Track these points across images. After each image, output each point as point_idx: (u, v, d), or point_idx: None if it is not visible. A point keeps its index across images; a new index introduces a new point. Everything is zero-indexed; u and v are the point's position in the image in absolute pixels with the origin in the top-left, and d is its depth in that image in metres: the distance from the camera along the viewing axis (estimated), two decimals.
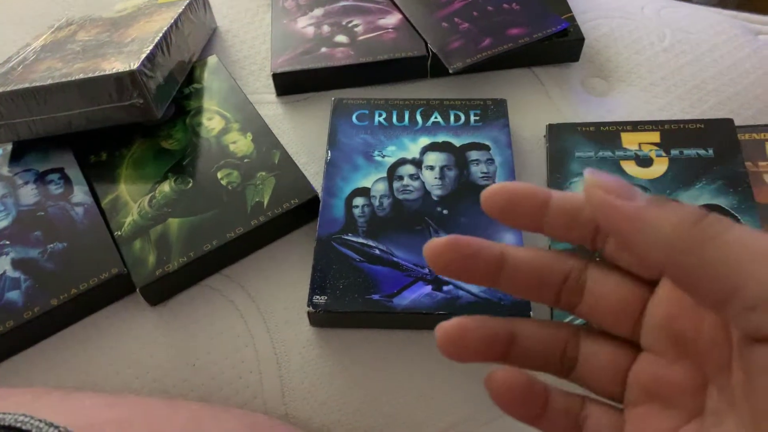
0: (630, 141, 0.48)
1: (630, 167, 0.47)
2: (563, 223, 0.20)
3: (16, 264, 0.44)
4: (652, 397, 0.19)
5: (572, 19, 0.57)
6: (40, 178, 0.49)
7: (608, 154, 0.48)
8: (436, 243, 0.20)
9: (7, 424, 0.26)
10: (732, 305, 0.15)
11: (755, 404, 0.16)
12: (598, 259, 0.21)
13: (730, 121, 0.48)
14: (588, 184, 0.18)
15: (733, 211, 0.43)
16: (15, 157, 0.51)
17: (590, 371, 0.21)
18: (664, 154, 0.47)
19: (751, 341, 0.16)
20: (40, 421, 0.27)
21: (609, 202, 0.17)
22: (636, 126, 0.49)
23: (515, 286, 0.21)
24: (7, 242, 0.45)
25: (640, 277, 0.20)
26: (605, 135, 0.49)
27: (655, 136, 0.48)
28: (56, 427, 0.27)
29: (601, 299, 0.20)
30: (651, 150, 0.48)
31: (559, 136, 0.50)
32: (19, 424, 0.26)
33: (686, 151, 0.47)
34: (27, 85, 0.47)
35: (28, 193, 0.48)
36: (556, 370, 0.21)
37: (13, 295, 0.42)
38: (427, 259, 0.21)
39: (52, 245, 0.45)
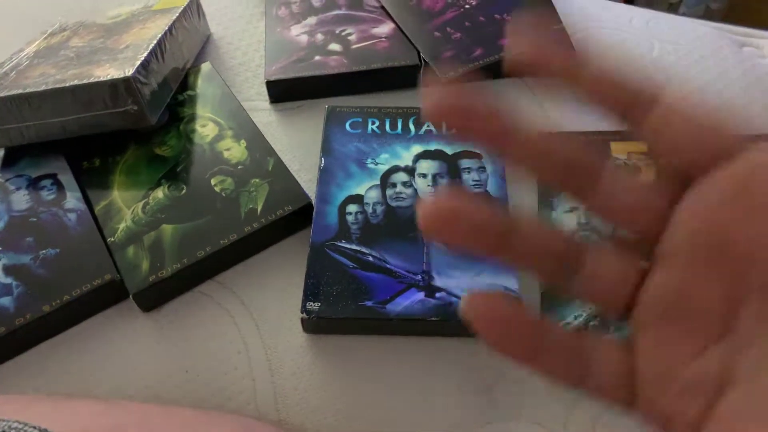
0: (619, 150, 0.49)
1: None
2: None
3: (7, 270, 0.44)
4: (670, 315, 0.17)
5: (562, 30, 0.58)
6: (33, 184, 0.49)
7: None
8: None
9: (1, 430, 0.26)
10: None
11: None
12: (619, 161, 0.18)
13: None
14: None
15: None
16: (7, 163, 0.51)
17: (594, 280, 0.18)
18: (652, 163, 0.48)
19: None
20: (35, 428, 0.27)
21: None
22: (625, 135, 0.50)
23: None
24: None
25: (673, 177, 0.17)
26: (595, 144, 0.50)
27: (643, 146, 0.49)
28: None
29: (621, 194, 0.18)
30: (640, 159, 0.49)
31: None
32: (13, 431, 0.26)
33: None
34: (20, 90, 0.47)
35: (21, 199, 0.48)
36: (553, 271, 0.18)
37: (5, 301, 0.42)
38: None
39: (44, 251, 0.45)
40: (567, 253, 0.18)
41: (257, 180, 0.48)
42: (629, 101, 0.17)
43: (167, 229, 0.46)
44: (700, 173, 0.17)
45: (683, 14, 0.68)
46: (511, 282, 0.42)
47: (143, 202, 0.47)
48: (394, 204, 0.47)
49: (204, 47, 0.63)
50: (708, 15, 1.26)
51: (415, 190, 0.47)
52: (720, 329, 0.16)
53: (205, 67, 0.58)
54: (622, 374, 0.17)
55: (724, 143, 0.16)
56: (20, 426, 0.27)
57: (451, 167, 0.49)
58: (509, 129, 0.18)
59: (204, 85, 0.56)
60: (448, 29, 0.58)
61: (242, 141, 0.51)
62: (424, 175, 0.48)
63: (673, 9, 1.28)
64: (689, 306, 0.16)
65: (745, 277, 0.15)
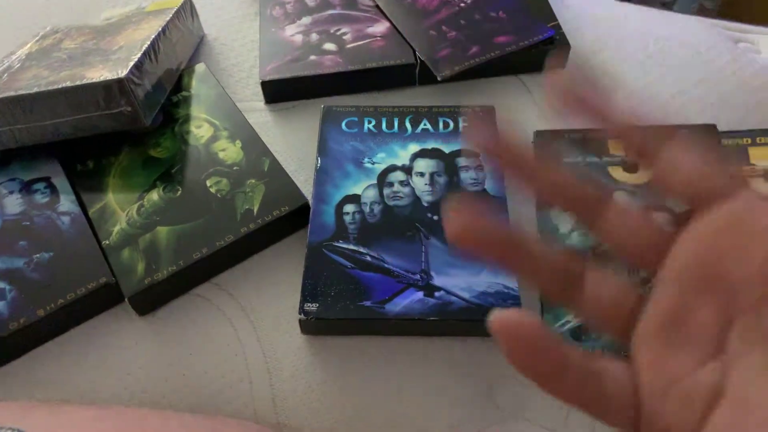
0: (617, 147, 0.49)
1: (617, 173, 0.48)
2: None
3: (1, 274, 0.43)
4: (669, 335, 0.18)
5: (558, 27, 0.58)
6: (26, 188, 0.49)
7: (595, 159, 0.49)
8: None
9: None
10: None
11: None
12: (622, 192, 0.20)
13: (713, 126, 0.49)
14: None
15: None
16: None
17: (597, 301, 0.19)
18: None
19: None
20: None
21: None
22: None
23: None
24: None
25: (672, 215, 0.19)
26: (592, 141, 0.50)
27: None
28: None
29: (626, 231, 0.19)
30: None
31: (547, 143, 0.50)
32: None
33: None
34: (12, 93, 0.47)
35: (13, 203, 0.48)
36: (558, 290, 0.19)
37: None
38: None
39: (38, 255, 0.44)
40: (569, 271, 0.19)
41: (253, 181, 0.48)
42: (640, 147, 0.20)
43: (162, 231, 0.45)
44: (701, 209, 0.18)
45: (678, 11, 0.68)
46: (510, 280, 0.42)
47: (138, 204, 0.47)
48: (391, 203, 0.46)
49: (198, 48, 0.62)
50: (702, 13, 1.26)
51: (413, 189, 0.47)
52: (714, 348, 0.17)
53: (200, 68, 0.57)
54: (628, 395, 0.18)
55: (723, 184, 0.18)
56: None
57: (448, 166, 0.48)
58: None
59: (198, 86, 0.56)
60: (444, 28, 0.57)
61: (237, 142, 0.51)
62: (422, 174, 0.48)
63: (666, 8, 1.28)
64: (686, 326, 0.18)
65: (735, 300, 0.17)
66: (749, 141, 0.49)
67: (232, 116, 0.53)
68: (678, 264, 0.18)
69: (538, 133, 0.51)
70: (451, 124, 0.51)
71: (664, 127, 0.20)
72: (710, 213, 0.18)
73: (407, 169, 0.48)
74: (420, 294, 0.41)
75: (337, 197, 0.47)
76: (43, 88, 0.46)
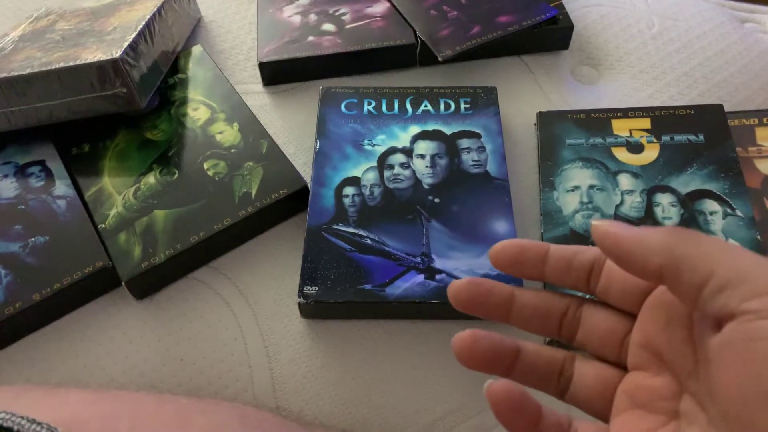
0: (621, 127, 0.48)
1: (621, 153, 0.47)
2: (561, 269, 0.24)
3: None
4: (635, 404, 0.22)
5: (561, 6, 0.57)
6: (20, 171, 0.48)
7: (599, 140, 0.48)
8: (457, 283, 0.24)
9: None
10: (706, 289, 0.19)
11: (719, 401, 0.18)
12: (589, 298, 0.25)
13: (719, 106, 0.48)
14: (596, 223, 0.22)
15: (724, 196, 0.43)
16: None
17: (584, 389, 0.24)
18: (655, 140, 0.47)
19: (713, 332, 0.19)
20: (23, 418, 0.26)
21: (614, 230, 0.21)
22: (626, 112, 0.49)
23: (524, 320, 0.25)
24: None
25: (623, 310, 0.24)
26: (596, 122, 0.49)
27: (645, 123, 0.48)
28: (39, 424, 0.26)
29: (594, 329, 0.24)
30: (642, 136, 0.47)
31: (550, 124, 0.49)
32: (0, 422, 0.25)
33: (677, 137, 0.47)
34: (5, 74, 0.46)
35: (8, 187, 0.47)
36: (554, 389, 0.24)
37: None
38: (449, 297, 0.24)
39: (33, 239, 0.44)
40: (561, 372, 0.24)
41: (251, 163, 0.47)
42: (583, 278, 0.24)
43: (159, 214, 0.45)
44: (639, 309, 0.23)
45: None
46: None
47: (134, 187, 0.46)
48: (391, 186, 0.45)
49: (195, 30, 0.61)
50: None
51: (413, 171, 0.46)
52: (671, 412, 0.21)
53: (196, 50, 0.56)
54: None
55: (650, 291, 0.23)
56: (8, 416, 0.26)
57: (449, 147, 0.47)
58: (510, 303, 0.25)
59: (195, 68, 0.55)
60: (444, 7, 0.56)
61: (235, 124, 0.50)
62: (422, 156, 0.47)
63: None
64: (648, 395, 0.22)
65: (678, 370, 0.21)
66: (756, 121, 0.48)
67: (230, 98, 0.52)
68: (634, 346, 0.23)
69: (541, 115, 0.50)
70: (453, 106, 0.50)
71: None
72: (645, 309, 0.23)
73: (408, 151, 0.47)
74: (421, 277, 0.41)
75: (337, 180, 0.46)
76: (36, 69, 0.45)
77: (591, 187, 0.45)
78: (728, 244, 0.20)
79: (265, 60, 0.54)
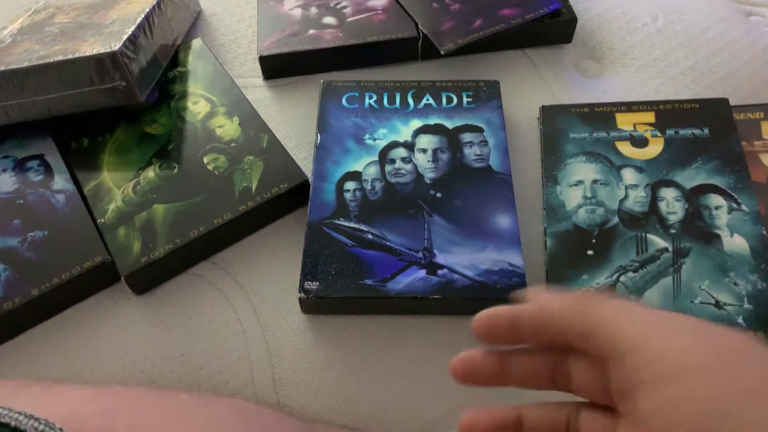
0: (625, 122, 0.48)
1: (625, 148, 0.46)
2: (533, 333, 0.25)
3: None
4: None
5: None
6: (19, 165, 0.48)
7: (603, 135, 0.47)
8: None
9: None
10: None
11: None
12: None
13: (725, 100, 0.48)
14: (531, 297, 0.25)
15: (729, 191, 0.43)
16: None
17: None
18: (659, 135, 0.47)
19: (624, 398, 0.21)
20: (20, 413, 0.26)
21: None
22: (631, 106, 0.49)
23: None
24: None
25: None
26: (600, 116, 0.48)
27: (650, 116, 0.48)
28: (36, 419, 0.25)
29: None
30: (646, 130, 0.47)
31: (553, 118, 0.49)
32: None
33: (682, 131, 0.46)
34: (3, 68, 0.45)
35: (7, 181, 0.47)
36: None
37: None
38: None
39: (32, 234, 0.43)
40: (568, 428, 0.25)
41: (251, 157, 0.47)
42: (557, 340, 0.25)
43: (159, 209, 0.44)
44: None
45: None
46: (515, 258, 0.40)
47: (134, 182, 0.46)
48: (393, 180, 0.45)
49: (195, 24, 0.61)
50: None
51: (415, 165, 0.46)
52: None
53: (196, 43, 0.56)
54: None
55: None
56: (5, 412, 0.26)
57: (451, 141, 0.47)
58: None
59: (195, 62, 0.54)
60: (446, 0, 0.56)
61: (235, 118, 0.49)
62: (424, 150, 0.47)
63: None
64: None
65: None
66: (761, 115, 0.48)
67: (230, 92, 0.51)
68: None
69: (544, 108, 0.50)
70: (455, 99, 0.50)
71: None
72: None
73: (409, 146, 0.47)
74: (423, 272, 0.40)
75: (338, 174, 0.45)
76: (34, 63, 0.45)
77: (595, 181, 0.45)
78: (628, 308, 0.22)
79: (265, 53, 0.54)
